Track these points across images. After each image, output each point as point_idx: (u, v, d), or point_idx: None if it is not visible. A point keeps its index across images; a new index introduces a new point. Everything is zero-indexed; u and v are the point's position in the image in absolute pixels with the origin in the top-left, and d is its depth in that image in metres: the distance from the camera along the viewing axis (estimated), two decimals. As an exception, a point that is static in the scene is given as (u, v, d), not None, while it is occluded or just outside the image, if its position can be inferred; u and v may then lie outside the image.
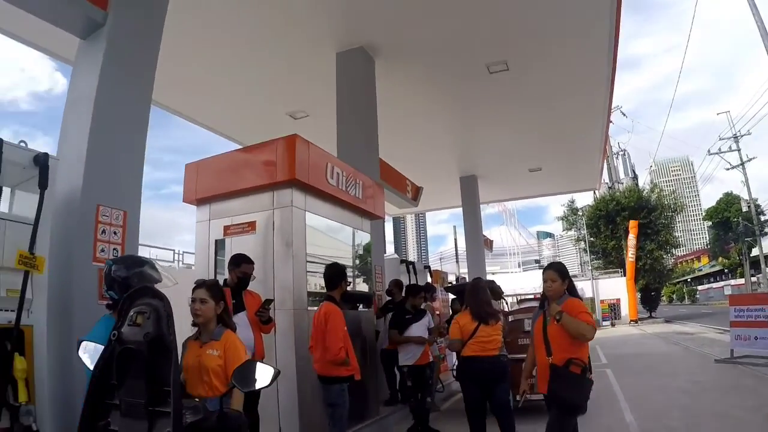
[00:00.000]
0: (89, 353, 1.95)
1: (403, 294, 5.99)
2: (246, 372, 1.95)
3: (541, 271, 3.42)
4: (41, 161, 2.70)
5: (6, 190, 3.06)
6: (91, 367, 1.89)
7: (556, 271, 3.15)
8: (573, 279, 3.33)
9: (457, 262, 28.58)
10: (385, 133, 7.44)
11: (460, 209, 14.41)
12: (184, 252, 11.30)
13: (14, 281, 2.57)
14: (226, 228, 4.80)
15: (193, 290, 2.57)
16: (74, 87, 3.60)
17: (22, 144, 2.81)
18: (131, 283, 2.46)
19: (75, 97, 3.55)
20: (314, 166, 4.72)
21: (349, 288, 4.55)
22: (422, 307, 5.84)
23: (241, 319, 3.58)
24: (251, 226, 4.62)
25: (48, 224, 2.76)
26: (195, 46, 6.58)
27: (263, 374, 1.93)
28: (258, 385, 1.93)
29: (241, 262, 3.92)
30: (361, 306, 5.60)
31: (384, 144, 7.38)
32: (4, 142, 2.57)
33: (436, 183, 13.31)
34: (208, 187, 4.91)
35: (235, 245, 4.56)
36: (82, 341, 2.01)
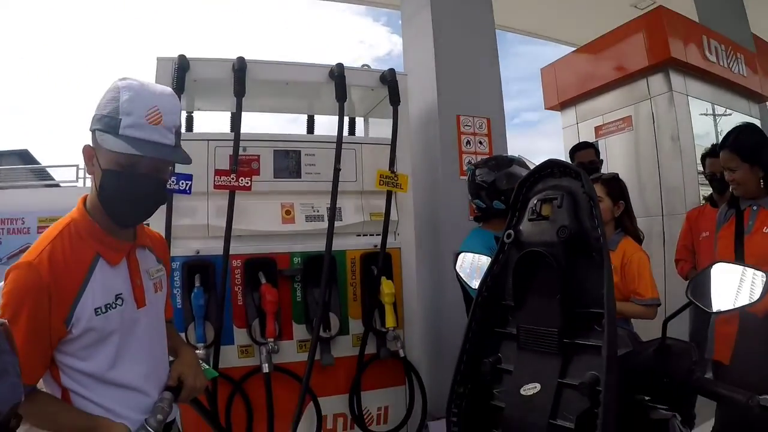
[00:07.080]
0: (468, 267, 1.43)
1: None
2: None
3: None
4: (388, 78, 2.45)
5: (359, 120, 3.05)
6: (473, 285, 1.35)
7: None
8: None
9: None
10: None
11: None
12: (549, 170, 11.71)
13: (378, 205, 2.39)
14: (598, 129, 4.44)
15: None
16: (407, 5, 3.41)
17: (365, 66, 2.62)
18: (499, 186, 2.00)
19: (410, 15, 3.34)
20: (689, 41, 4.02)
21: None
22: None
23: None
24: (626, 121, 4.17)
25: (407, 143, 2.50)
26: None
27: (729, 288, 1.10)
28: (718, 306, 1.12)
29: (573, 151, 3.27)
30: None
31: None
32: (345, 66, 2.36)
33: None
34: (570, 88, 4.67)
35: (610, 147, 4.22)
36: (460, 253, 1.52)
